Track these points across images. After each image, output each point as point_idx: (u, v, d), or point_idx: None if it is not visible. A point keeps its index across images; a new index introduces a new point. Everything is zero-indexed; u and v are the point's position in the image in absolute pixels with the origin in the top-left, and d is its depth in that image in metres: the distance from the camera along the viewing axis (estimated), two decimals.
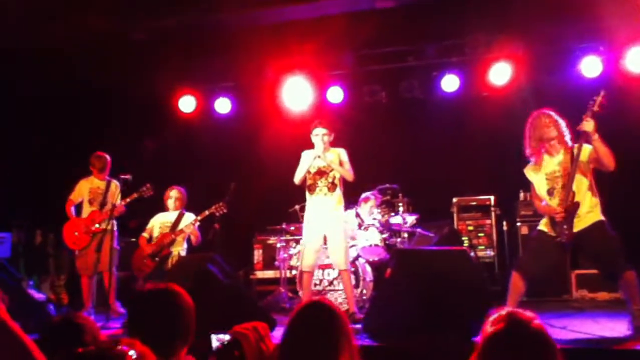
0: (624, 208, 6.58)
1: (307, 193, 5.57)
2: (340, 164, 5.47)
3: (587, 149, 4.44)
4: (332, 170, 5.43)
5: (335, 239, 5.40)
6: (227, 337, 1.95)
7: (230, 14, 6.60)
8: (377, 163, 7.54)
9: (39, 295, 5.65)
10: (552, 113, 4.59)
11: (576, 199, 4.35)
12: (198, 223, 6.10)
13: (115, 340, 1.60)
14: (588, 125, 4.26)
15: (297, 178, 5.52)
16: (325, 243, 5.53)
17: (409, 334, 4.03)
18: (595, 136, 4.27)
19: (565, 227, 4.33)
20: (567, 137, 4.54)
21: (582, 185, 4.42)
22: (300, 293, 6.17)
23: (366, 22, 6.58)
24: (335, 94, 7.83)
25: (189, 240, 6.26)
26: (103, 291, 6.22)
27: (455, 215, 7.43)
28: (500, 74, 7.20)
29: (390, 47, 7.51)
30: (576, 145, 4.44)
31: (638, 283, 4.21)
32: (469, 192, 7.48)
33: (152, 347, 1.64)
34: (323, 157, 5.40)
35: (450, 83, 7.48)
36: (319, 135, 5.44)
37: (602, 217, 4.41)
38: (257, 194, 7.47)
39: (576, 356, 3.70)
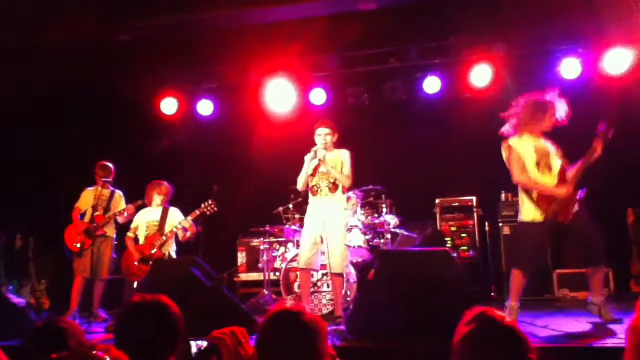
0: (603, 210, 6.71)
1: (309, 195, 5.48)
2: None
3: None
4: (329, 171, 5.33)
5: (334, 241, 5.23)
6: (205, 342, 1.95)
7: (213, 16, 6.57)
8: (361, 165, 7.53)
9: (18, 300, 5.59)
10: (550, 100, 4.84)
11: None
12: (190, 222, 6.04)
13: (90, 346, 1.59)
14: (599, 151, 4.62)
15: (300, 183, 5.42)
16: (322, 243, 5.35)
17: (393, 334, 4.05)
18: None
19: (570, 207, 4.57)
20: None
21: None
22: (284, 295, 6.17)
23: (349, 23, 6.60)
24: (319, 96, 7.83)
25: (176, 238, 6.23)
26: (87, 296, 6.22)
27: (438, 216, 7.47)
28: (481, 76, 7.27)
29: (373, 49, 7.53)
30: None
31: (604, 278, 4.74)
32: (451, 193, 7.53)
33: (142, 358, 1.63)
34: (323, 158, 5.31)
35: (432, 85, 7.53)
36: (322, 135, 5.37)
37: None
38: (240, 197, 7.46)
39: (557, 354, 3.75)
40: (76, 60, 6.72)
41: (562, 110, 4.81)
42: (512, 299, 4.67)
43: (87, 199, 6.42)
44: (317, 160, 5.36)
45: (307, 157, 5.43)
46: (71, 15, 6.11)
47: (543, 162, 4.70)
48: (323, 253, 5.45)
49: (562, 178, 4.67)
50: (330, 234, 5.25)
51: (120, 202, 6.44)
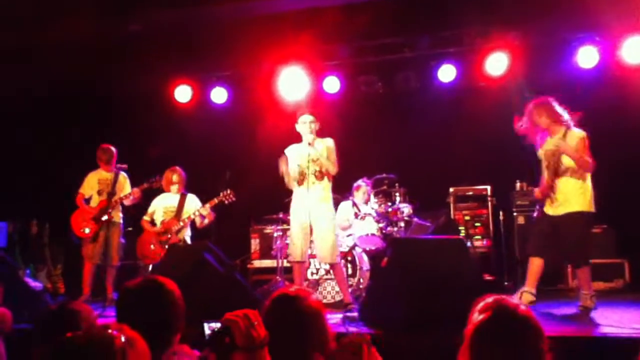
0: (619, 200, 6.65)
1: (294, 185, 5.40)
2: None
3: (575, 136, 4.77)
4: (319, 158, 5.29)
5: (322, 232, 5.21)
6: (218, 324, 1.96)
7: (226, 4, 6.56)
8: (374, 153, 7.55)
9: (35, 284, 5.66)
10: (544, 103, 4.93)
11: (560, 181, 4.77)
12: (208, 210, 6.04)
13: (104, 325, 1.61)
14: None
15: (291, 182, 5.39)
16: (312, 234, 5.32)
17: (404, 322, 4.05)
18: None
19: (537, 205, 4.95)
20: (564, 118, 4.86)
21: (568, 169, 4.76)
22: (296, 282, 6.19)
23: (362, 12, 6.55)
24: (332, 84, 7.81)
25: (192, 223, 6.25)
26: (100, 281, 6.27)
27: (452, 205, 7.44)
28: (496, 64, 7.19)
29: (385, 38, 7.48)
30: (568, 131, 4.82)
31: (590, 275, 4.83)
32: (465, 182, 7.49)
33: (144, 340, 1.65)
34: (312, 145, 5.27)
35: (447, 73, 7.47)
36: (307, 122, 5.31)
37: (583, 208, 4.71)
38: (253, 183, 7.46)
39: (572, 344, 3.73)
40: (76, 60, 6.72)
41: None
42: (525, 284, 4.88)
43: (90, 183, 6.40)
44: (309, 148, 5.29)
45: (290, 150, 5.44)
46: (72, 12, 6.11)
47: (552, 162, 4.86)
48: (312, 242, 5.42)
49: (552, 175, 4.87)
50: (318, 223, 5.22)
51: (124, 184, 6.41)
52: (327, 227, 5.23)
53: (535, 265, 4.81)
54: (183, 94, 8.14)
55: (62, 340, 1.53)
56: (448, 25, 7.21)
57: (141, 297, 2.19)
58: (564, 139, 4.76)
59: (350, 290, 5.92)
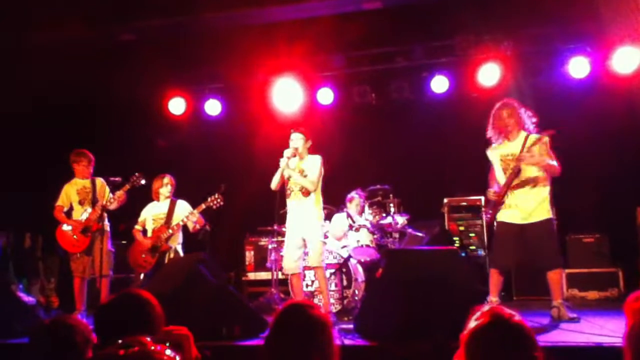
0: (612, 208, 6.67)
1: (286, 198, 5.57)
2: (302, 171, 5.45)
3: (536, 140, 4.85)
4: (305, 175, 5.41)
5: (311, 240, 5.38)
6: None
7: (217, 15, 6.58)
8: (368, 164, 7.55)
9: (28, 299, 5.59)
10: (512, 104, 5.02)
11: (525, 191, 4.86)
12: (197, 215, 6.00)
13: (139, 340, 1.57)
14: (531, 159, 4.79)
15: (273, 183, 5.53)
16: (305, 246, 5.47)
17: (400, 333, 4.04)
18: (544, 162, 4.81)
19: (491, 210, 4.97)
20: (527, 125, 4.98)
21: (534, 176, 4.88)
22: (292, 294, 6.17)
23: (354, 23, 6.59)
24: (326, 95, 7.82)
25: (185, 230, 6.21)
26: (93, 294, 6.15)
27: (446, 216, 7.44)
28: (489, 74, 7.23)
29: (378, 48, 7.52)
30: (530, 136, 4.92)
31: (562, 281, 4.90)
32: (459, 192, 7.50)
33: None
34: (286, 164, 5.42)
35: (440, 84, 7.49)
36: (293, 140, 5.50)
37: (549, 215, 4.89)
38: (247, 195, 7.46)
39: (566, 354, 3.73)
40: (68, 70, 6.69)
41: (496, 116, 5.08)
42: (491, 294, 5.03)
43: (68, 195, 6.21)
44: (293, 163, 5.47)
45: (281, 161, 5.53)
46: (72, 17, 6.11)
47: (514, 168, 4.92)
48: (306, 253, 5.56)
49: (509, 180, 4.92)
50: (310, 237, 5.38)
51: (105, 189, 6.19)
52: (315, 235, 5.38)
53: (494, 277, 5.04)
54: (177, 106, 8.14)
55: (114, 356, 1.46)
56: (440, 35, 7.26)
57: (117, 311, 2.19)
58: (529, 149, 4.84)
59: (345, 301, 5.95)
